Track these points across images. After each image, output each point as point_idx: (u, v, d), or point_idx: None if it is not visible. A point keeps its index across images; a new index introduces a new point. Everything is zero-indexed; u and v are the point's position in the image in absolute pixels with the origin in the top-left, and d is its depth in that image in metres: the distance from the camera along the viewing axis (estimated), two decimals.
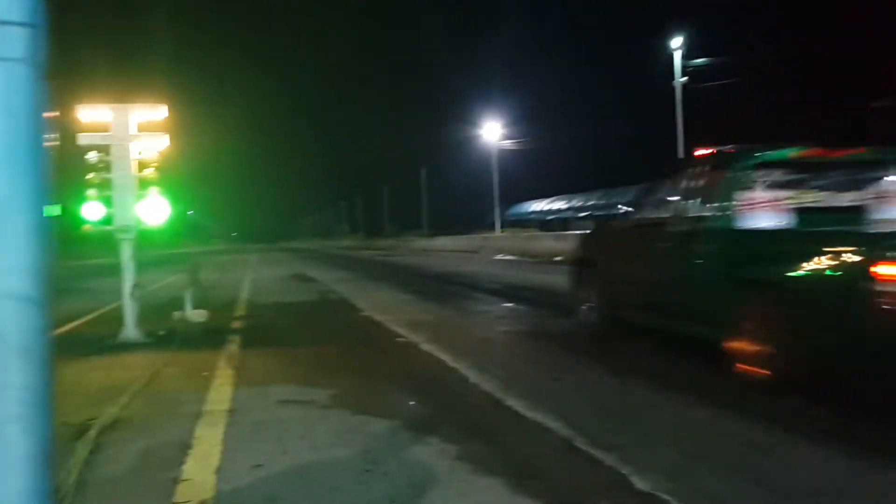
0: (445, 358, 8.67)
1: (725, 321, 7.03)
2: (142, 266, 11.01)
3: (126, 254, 10.45)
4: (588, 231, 14.81)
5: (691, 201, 8.22)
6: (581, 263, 10.83)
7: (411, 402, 6.63)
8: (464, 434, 5.53)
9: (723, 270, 7.32)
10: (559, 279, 15.81)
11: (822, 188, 7.80)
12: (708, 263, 7.61)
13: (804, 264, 6.36)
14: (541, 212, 71.53)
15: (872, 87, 39.49)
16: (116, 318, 10.70)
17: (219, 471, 4.78)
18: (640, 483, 4.44)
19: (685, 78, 37.49)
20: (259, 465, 4.86)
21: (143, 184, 10.35)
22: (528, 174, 57.36)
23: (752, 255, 7.09)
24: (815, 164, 8.02)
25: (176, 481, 4.61)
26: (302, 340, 10.59)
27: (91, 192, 10.22)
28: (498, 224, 57.68)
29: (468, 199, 50.19)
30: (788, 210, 7.25)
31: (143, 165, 10.39)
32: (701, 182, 8.19)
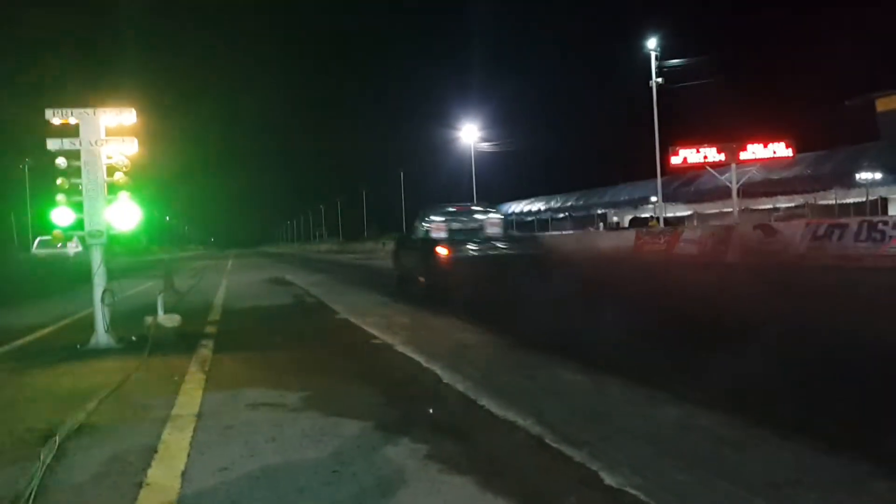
0: (419, 359, 8.64)
1: (422, 270, 15.80)
2: (116, 272, 10.91)
3: (96, 259, 10.35)
4: (398, 236, 24.69)
5: (418, 225, 17.50)
6: (394, 254, 20.38)
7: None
8: (435, 434, 5.50)
9: (422, 251, 15.90)
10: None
11: (463, 219, 17.15)
12: (420, 248, 16.31)
13: (443, 247, 14.83)
14: (520, 213, 71.65)
15: (847, 86, 39.82)
16: (89, 324, 10.59)
17: (184, 474, 4.72)
18: (609, 479, 4.43)
19: (661, 79, 37.68)
20: (225, 469, 4.82)
21: (113, 189, 10.25)
22: (507, 175, 57.52)
23: (431, 244, 15.32)
24: (459, 211, 17.45)
25: (140, 486, 4.55)
26: (276, 344, 10.52)
27: (60, 197, 10.11)
28: None
29: (448, 201, 50.16)
30: (447, 230, 16.20)
31: (113, 170, 10.29)
32: (419, 219, 17.70)
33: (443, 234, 15.81)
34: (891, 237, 17.70)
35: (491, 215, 16.93)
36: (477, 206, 17.86)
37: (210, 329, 12.21)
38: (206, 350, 9.91)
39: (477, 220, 16.86)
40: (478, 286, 13.83)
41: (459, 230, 16.43)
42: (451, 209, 17.34)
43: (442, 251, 14.53)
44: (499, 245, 15.40)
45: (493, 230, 16.24)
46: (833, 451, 4.80)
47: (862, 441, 4.96)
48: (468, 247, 14.92)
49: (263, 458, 5.06)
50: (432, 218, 16.79)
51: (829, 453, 4.79)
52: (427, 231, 16.53)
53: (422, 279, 15.69)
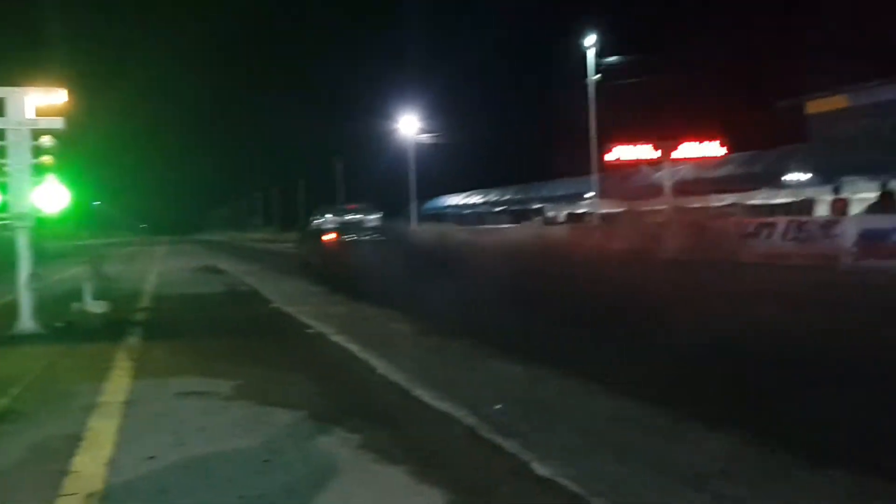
0: (354, 349, 8.60)
1: (314, 253, 19.56)
2: (44, 257, 10.61)
3: (22, 243, 10.03)
4: (302, 228, 26.55)
5: (313, 219, 22.00)
6: (298, 242, 24.79)
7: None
8: (369, 424, 5.47)
9: (315, 238, 19.85)
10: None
11: (347, 216, 21.26)
12: (314, 236, 20.38)
13: (328, 235, 19.34)
14: (457, 206, 71.69)
15: (782, 86, 40.68)
16: (14, 309, 10.27)
17: (110, 463, 4.61)
18: (541, 469, 4.46)
19: (598, 75, 38.05)
20: (153, 457, 4.71)
21: (40, 170, 9.94)
22: (446, 168, 57.42)
23: (321, 233, 19.46)
24: (346, 209, 21.97)
25: (65, 473, 4.43)
26: (207, 332, 10.36)
27: None
28: (414, 218, 57.60)
29: (386, 193, 49.89)
30: (334, 223, 20.44)
31: (40, 152, 9.97)
32: (314, 215, 22.39)
33: (330, 226, 20.30)
34: (816, 237, 18.19)
35: (370, 214, 21.79)
36: (362, 205, 22.53)
37: (140, 316, 11.97)
38: (134, 338, 9.71)
39: (358, 216, 21.44)
40: (355, 265, 16.90)
41: (343, 223, 20.58)
42: (340, 207, 23.48)
43: (328, 237, 19.15)
44: (371, 235, 19.76)
45: (370, 224, 21.02)
46: (758, 442, 4.90)
47: (783, 431, 5.07)
48: (347, 235, 19.11)
49: (193, 447, 4.96)
50: (325, 214, 21.84)
51: (754, 444, 4.88)
52: (320, 224, 21.16)
53: (315, 260, 19.63)
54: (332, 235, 19.13)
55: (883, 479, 4.27)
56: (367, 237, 19.38)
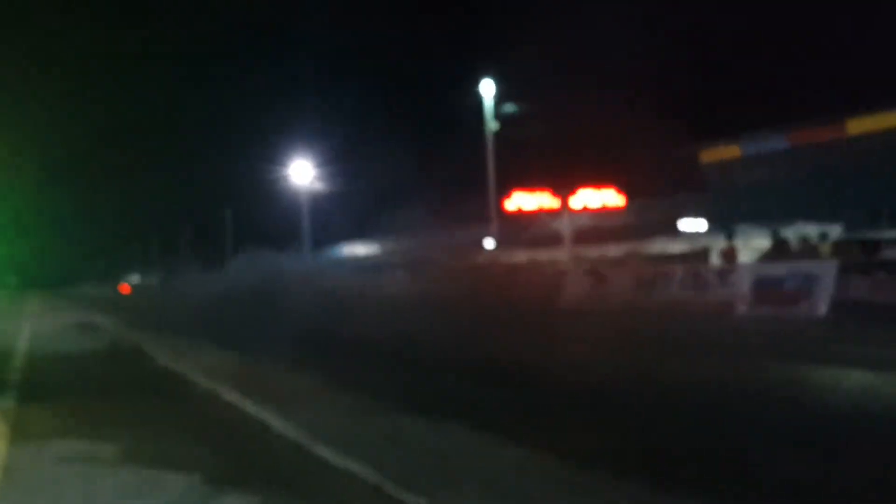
0: (247, 406, 8.20)
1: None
2: None
3: None
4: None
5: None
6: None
7: None
8: (268, 486, 5.13)
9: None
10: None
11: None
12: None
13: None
14: (355, 257, 71.03)
15: (677, 136, 42.15)
16: None
17: None
18: None
19: (495, 123, 38.50)
20: None
21: None
22: (345, 216, 56.98)
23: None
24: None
25: None
26: (89, 393, 9.75)
27: None
28: (308, 267, 56.73)
29: (279, 242, 49.11)
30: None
31: None
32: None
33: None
34: (712, 285, 18.59)
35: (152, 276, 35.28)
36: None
37: (13, 377, 11.22)
38: (8, 400, 9.06)
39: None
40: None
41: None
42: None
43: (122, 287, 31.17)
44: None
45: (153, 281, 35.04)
46: (667, 491, 4.78)
47: (696, 478, 4.97)
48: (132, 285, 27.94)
49: None
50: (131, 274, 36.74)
51: (662, 493, 4.77)
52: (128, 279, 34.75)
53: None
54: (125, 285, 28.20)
55: None
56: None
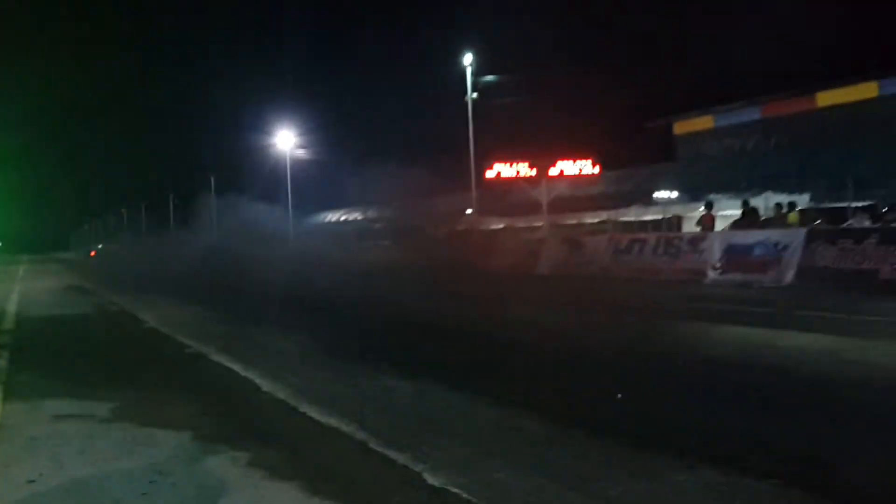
0: (237, 368, 8.47)
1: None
2: None
3: None
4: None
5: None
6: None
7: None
8: (257, 442, 5.42)
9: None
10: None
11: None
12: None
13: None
14: (336, 223, 71.12)
15: (652, 108, 42.54)
16: None
17: None
18: (432, 479, 4.54)
19: (476, 94, 38.66)
20: (33, 481, 4.55)
21: None
22: (327, 183, 56.92)
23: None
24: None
25: None
26: (80, 354, 9.98)
27: None
28: (292, 234, 56.87)
29: (264, 208, 49.25)
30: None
31: None
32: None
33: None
34: (685, 252, 19.00)
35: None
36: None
37: (3, 339, 11.43)
38: (1, 360, 9.29)
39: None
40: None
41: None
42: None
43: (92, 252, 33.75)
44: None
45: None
46: (636, 448, 5.12)
47: (663, 438, 5.33)
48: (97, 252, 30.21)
49: (74, 469, 4.81)
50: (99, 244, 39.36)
51: (631, 449, 5.11)
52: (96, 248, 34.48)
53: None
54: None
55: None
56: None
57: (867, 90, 31.24)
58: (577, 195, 39.18)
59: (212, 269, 28.64)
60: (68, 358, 9.70)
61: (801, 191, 27.75)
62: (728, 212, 26.32)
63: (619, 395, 6.52)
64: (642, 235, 22.85)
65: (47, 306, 17.30)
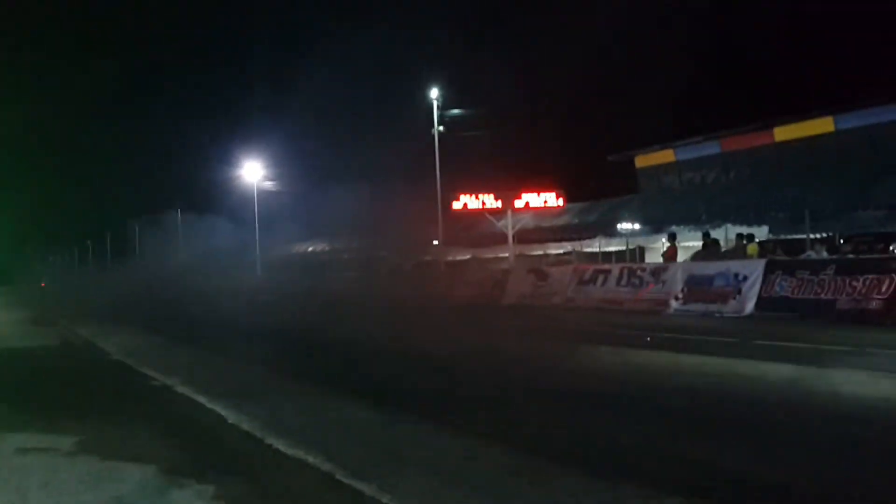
0: (202, 399, 8.45)
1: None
2: None
3: None
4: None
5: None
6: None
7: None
8: (223, 475, 5.42)
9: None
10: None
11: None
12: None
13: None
14: (303, 253, 70.83)
15: (614, 142, 43.25)
16: None
17: None
18: None
19: (442, 127, 39.04)
20: None
21: None
22: (296, 215, 56.76)
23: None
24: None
25: None
26: (43, 387, 9.91)
27: None
28: (259, 266, 56.64)
29: (231, 241, 49.16)
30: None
31: None
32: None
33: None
34: (647, 283, 19.25)
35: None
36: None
37: None
38: None
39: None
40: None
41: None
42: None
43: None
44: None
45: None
46: (600, 477, 5.21)
47: (628, 466, 5.42)
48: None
49: (38, 503, 4.81)
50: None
51: (595, 478, 5.19)
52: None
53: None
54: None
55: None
56: None
57: (823, 125, 31.90)
58: (542, 226, 39.54)
59: (174, 299, 28.41)
60: (32, 390, 9.61)
61: (759, 223, 28.23)
62: (689, 243, 26.74)
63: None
64: (606, 266, 23.15)
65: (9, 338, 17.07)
